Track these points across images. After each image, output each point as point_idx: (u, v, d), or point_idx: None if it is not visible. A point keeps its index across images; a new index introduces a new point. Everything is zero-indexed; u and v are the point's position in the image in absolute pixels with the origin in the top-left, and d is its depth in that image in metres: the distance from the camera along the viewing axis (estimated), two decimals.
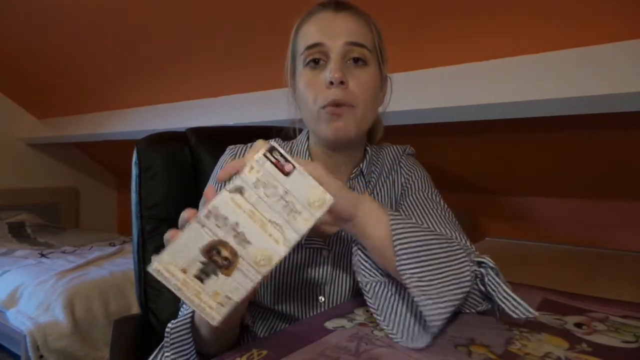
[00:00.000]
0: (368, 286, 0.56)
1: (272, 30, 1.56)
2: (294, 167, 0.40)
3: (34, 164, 3.33)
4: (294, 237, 0.41)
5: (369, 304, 0.55)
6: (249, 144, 0.74)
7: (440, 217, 0.68)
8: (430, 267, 0.51)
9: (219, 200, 0.39)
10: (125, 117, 2.68)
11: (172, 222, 0.87)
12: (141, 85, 2.43)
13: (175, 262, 0.39)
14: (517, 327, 0.55)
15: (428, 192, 0.72)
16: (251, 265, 0.39)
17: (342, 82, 0.62)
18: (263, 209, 0.39)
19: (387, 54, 0.71)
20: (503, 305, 0.53)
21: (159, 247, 0.85)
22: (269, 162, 0.40)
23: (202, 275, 0.39)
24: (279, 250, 0.40)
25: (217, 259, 0.39)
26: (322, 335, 0.52)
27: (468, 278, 0.53)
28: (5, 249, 2.50)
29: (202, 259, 0.39)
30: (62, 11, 1.98)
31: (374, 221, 0.53)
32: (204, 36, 1.80)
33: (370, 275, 0.56)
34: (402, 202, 0.72)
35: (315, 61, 0.64)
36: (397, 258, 0.50)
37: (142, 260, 0.86)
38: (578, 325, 0.56)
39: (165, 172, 0.88)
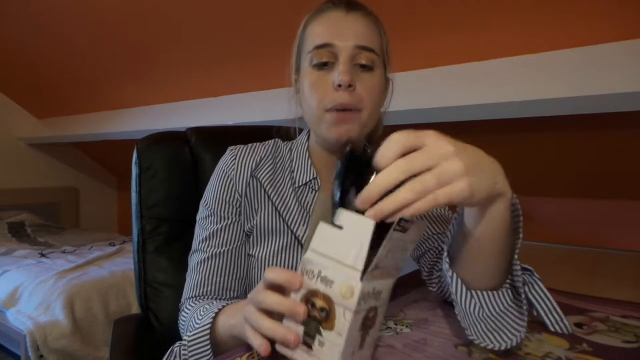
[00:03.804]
0: (448, 265, 0.53)
1: (273, 30, 1.56)
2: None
3: (34, 164, 3.32)
4: None
5: (447, 276, 0.53)
6: (249, 145, 0.74)
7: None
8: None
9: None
10: (125, 117, 2.68)
11: (172, 222, 0.88)
12: (141, 85, 2.43)
13: None
14: None
15: None
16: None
17: (350, 85, 0.61)
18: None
19: (391, 56, 0.70)
20: (544, 317, 0.53)
21: (159, 246, 0.87)
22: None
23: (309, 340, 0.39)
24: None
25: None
26: None
27: (520, 279, 0.51)
28: (5, 249, 2.50)
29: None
30: (61, 11, 1.97)
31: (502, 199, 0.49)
32: (204, 36, 1.80)
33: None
34: None
35: (323, 62, 0.63)
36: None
37: (142, 260, 0.86)
38: (578, 325, 0.56)
39: (165, 172, 0.88)
